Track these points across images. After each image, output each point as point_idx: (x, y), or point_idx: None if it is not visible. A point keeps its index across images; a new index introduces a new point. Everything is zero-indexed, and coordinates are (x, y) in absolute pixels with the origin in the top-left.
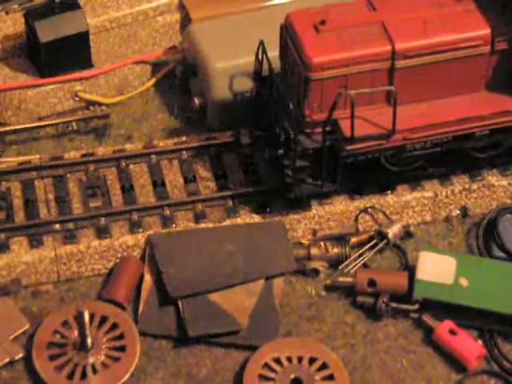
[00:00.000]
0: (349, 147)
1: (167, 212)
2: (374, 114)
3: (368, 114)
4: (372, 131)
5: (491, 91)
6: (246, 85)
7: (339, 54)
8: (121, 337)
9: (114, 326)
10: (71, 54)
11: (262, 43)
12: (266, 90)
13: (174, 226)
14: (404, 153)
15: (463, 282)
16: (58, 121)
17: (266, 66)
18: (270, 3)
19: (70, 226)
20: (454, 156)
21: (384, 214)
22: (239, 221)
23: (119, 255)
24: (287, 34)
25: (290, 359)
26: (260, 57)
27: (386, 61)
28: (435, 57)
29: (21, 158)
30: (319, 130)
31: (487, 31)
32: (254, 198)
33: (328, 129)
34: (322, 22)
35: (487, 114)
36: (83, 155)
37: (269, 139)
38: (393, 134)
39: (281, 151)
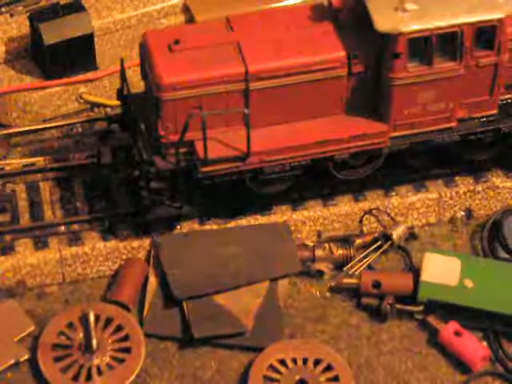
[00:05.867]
0: (203, 169)
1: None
2: (231, 136)
3: (225, 136)
4: (228, 153)
5: (351, 114)
6: None
7: (191, 74)
8: (126, 338)
9: (119, 328)
10: (76, 56)
11: (121, 61)
12: (126, 109)
13: (178, 227)
14: (263, 175)
15: (468, 283)
16: (62, 123)
17: None
18: (274, 6)
19: (75, 227)
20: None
21: (388, 215)
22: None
23: (124, 257)
24: (144, 53)
25: (295, 361)
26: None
27: (240, 82)
28: (290, 79)
29: (26, 160)
30: (174, 151)
31: (343, 53)
32: None
33: (183, 150)
34: (176, 42)
35: (345, 137)
36: (88, 157)
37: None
38: (248, 156)
39: (137, 172)
